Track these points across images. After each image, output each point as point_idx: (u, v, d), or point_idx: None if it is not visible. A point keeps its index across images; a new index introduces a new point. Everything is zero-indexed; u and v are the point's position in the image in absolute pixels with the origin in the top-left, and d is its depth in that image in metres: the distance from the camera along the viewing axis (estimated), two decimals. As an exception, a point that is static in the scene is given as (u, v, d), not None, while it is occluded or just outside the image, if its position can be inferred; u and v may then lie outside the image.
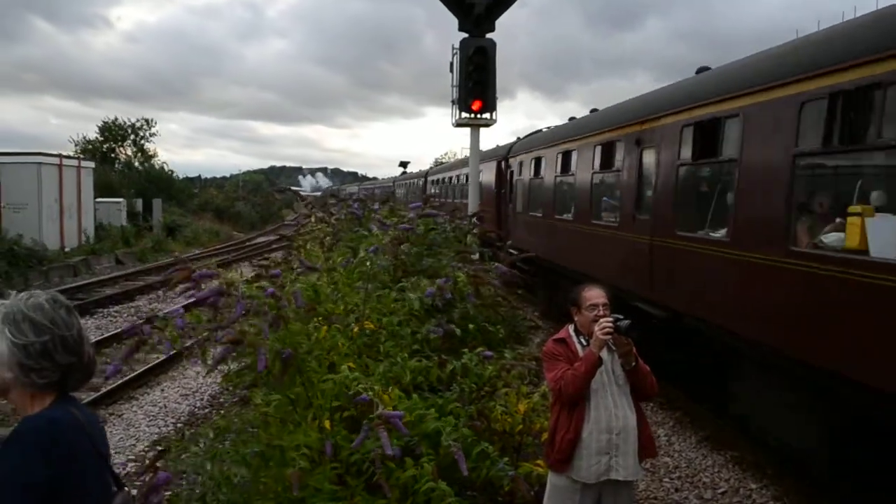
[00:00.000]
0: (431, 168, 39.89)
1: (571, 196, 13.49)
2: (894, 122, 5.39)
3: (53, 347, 2.18)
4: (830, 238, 6.09)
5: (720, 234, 7.80)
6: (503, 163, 18.95)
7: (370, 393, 3.96)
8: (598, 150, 11.85)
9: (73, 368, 2.24)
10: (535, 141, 17.19)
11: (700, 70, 9.32)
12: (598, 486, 4.16)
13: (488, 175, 19.83)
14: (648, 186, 9.73)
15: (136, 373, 10.92)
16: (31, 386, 2.19)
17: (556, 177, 14.35)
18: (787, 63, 6.83)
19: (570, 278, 11.36)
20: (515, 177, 18.07)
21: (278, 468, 4.01)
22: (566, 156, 13.78)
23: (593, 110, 14.41)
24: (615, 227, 10.85)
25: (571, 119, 15.95)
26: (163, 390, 10.66)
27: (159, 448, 8.09)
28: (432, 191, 31.52)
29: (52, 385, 2.22)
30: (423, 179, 36.65)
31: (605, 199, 11.93)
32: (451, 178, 28.32)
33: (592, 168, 12.02)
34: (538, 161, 16.04)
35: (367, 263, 5.71)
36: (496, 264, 6.47)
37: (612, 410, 4.16)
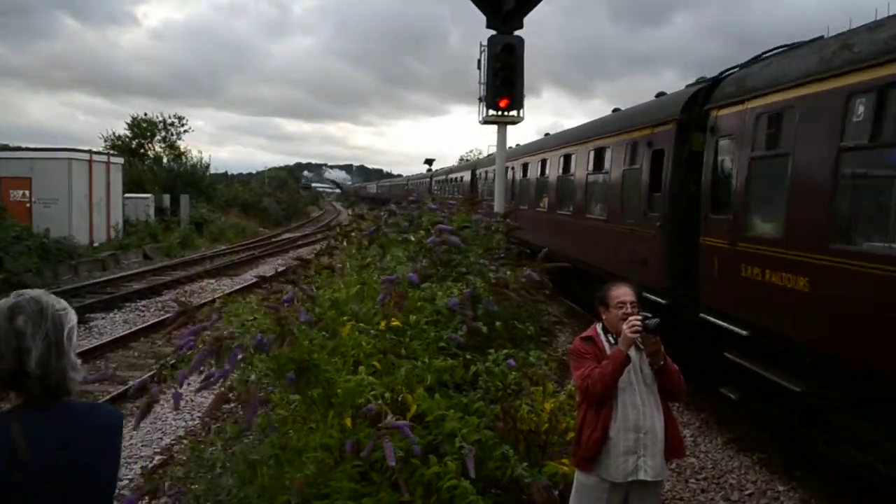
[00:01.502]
0: (436, 171, 49.87)
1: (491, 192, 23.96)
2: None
3: None
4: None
5: (543, 206, 18.37)
6: (474, 170, 30.27)
7: (380, 402, 3.97)
8: (511, 170, 22.35)
9: (16, 378, 2.13)
10: (483, 161, 31.23)
11: (659, 94, 13.21)
12: (626, 485, 4.12)
13: (467, 177, 32.09)
14: (525, 188, 20.98)
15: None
16: None
17: (513, 180, 24.24)
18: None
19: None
20: (478, 179, 29.37)
21: (297, 469, 4.01)
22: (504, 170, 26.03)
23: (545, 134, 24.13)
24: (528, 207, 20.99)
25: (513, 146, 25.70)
26: (189, 384, 10.72)
27: (183, 441, 8.15)
28: (436, 189, 41.58)
29: (10, 389, 2.15)
30: (429, 179, 46.55)
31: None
32: (449, 179, 39.56)
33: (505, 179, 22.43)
34: (486, 172, 27.15)
35: (395, 266, 5.71)
36: (527, 270, 6.37)
37: (639, 409, 4.11)
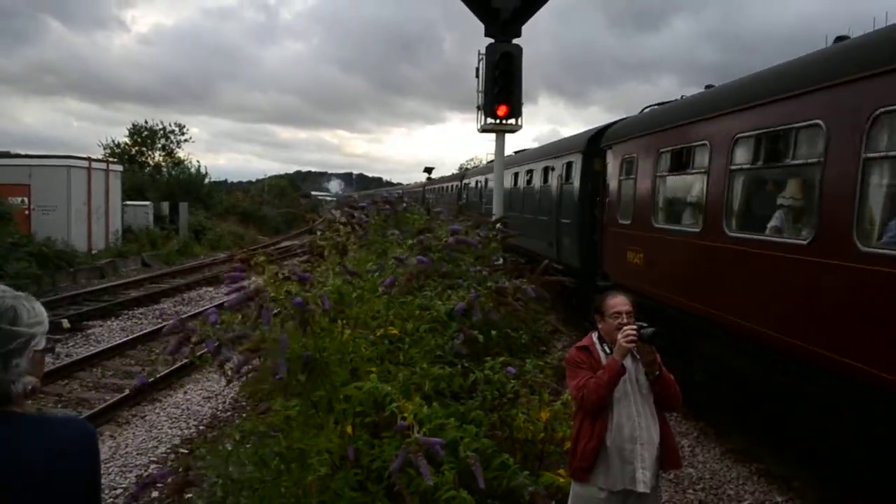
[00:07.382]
0: (471, 169, 51.86)
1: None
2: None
3: None
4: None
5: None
6: (460, 180, 31.55)
7: (399, 407, 3.92)
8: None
9: None
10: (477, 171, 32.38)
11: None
12: (623, 495, 4.10)
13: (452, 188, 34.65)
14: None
15: (159, 375, 10.99)
16: None
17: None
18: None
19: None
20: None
21: (299, 472, 3.99)
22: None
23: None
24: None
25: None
26: (185, 392, 10.71)
27: (180, 450, 8.12)
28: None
29: None
30: (459, 182, 47.67)
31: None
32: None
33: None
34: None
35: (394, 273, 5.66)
36: (527, 287, 6.30)
37: (635, 420, 4.10)
